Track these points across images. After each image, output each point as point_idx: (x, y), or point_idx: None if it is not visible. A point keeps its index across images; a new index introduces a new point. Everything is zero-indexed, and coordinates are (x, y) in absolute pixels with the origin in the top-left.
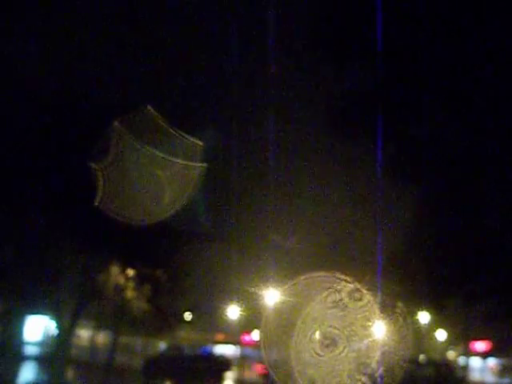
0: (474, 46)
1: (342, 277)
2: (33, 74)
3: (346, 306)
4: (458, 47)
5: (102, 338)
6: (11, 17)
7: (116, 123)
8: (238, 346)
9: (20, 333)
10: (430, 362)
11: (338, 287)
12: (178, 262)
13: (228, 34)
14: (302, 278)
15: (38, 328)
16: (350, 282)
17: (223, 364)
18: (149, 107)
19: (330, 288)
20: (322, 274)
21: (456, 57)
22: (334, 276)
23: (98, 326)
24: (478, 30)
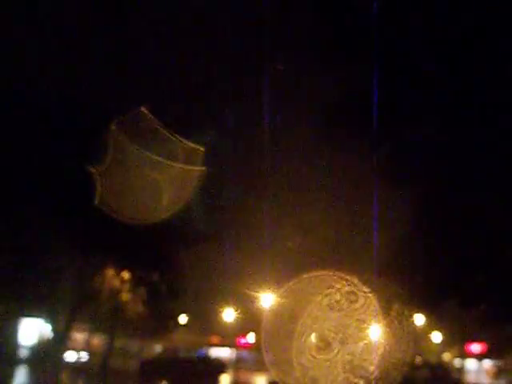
0: (469, 47)
1: (340, 275)
2: (32, 79)
3: (342, 309)
4: (453, 48)
5: (98, 340)
6: (7, 23)
7: (113, 127)
8: (234, 349)
9: (15, 336)
10: (426, 364)
11: (334, 288)
12: (173, 264)
13: (225, 37)
14: (297, 280)
15: (32, 331)
16: (347, 281)
17: (218, 366)
18: (144, 110)
19: (326, 289)
20: (318, 273)
21: (452, 59)
22: (332, 275)
23: (94, 329)
24: (473, 33)
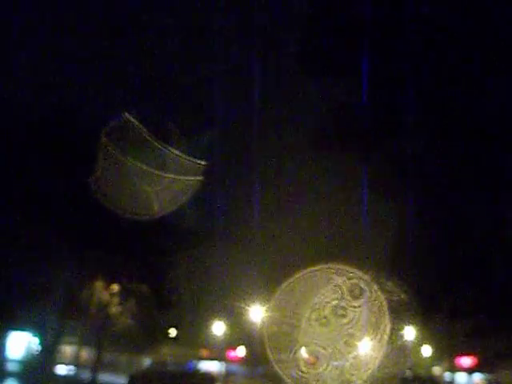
0: (462, 57)
1: (331, 284)
2: (30, 88)
3: (330, 324)
4: (446, 59)
5: (86, 354)
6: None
7: (102, 136)
8: (223, 362)
9: (2, 349)
10: (416, 378)
11: (323, 302)
12: (162, 277)
13: (217, 53)
14: (285, 292)
15: (20, 344)
16: (337, 295)
17: (208, 380)
18: (131, 118)
19: (315, 302)
20: (309, 277)
21: (444, 70)
22: (323, 286)
23: (82, 343)
24: (466, 42)
